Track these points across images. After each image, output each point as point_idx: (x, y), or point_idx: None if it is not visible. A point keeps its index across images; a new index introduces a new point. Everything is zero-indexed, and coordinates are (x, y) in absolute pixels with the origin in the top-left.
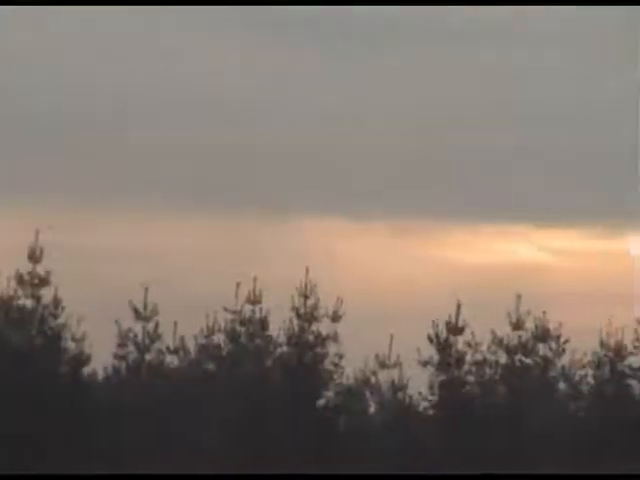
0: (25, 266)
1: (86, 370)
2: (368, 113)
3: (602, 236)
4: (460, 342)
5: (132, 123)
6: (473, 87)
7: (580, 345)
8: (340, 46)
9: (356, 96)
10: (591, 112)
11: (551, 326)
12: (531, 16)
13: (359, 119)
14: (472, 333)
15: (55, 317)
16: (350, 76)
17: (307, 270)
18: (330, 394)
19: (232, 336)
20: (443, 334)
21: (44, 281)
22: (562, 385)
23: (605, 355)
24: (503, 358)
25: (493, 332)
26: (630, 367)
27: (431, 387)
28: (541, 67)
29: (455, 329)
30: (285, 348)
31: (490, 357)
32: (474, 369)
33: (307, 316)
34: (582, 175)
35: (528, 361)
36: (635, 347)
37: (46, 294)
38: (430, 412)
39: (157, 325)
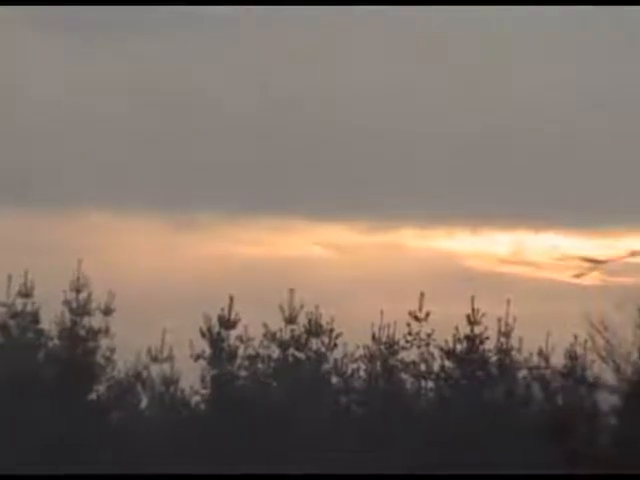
0: None
1: None
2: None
3: (374, 230)
4: (233, 336)
5: None
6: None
7: (353, 339)
8: (132, 44)
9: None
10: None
11: (324, 320)
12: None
13: (141, 114)
14: (245, 327)
15: None
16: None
17: (79, 263)
18: (102, 388)
19: (3, 329)
20: (215, 328)
21: None
22: (334, 379)
23: (377, 349)
24: (276, 352)
25: (266, 326)
26: (402, 361)
27: (203, 381)
28: None
29: (227, 323)
30: (57, 341)
31: (263, 351)
32: (247, 363)
33: (79, 310)
34: (353, 170)
35: (301, 355)
36: (407, 341)
37: None
38: (202, 406)
39: None
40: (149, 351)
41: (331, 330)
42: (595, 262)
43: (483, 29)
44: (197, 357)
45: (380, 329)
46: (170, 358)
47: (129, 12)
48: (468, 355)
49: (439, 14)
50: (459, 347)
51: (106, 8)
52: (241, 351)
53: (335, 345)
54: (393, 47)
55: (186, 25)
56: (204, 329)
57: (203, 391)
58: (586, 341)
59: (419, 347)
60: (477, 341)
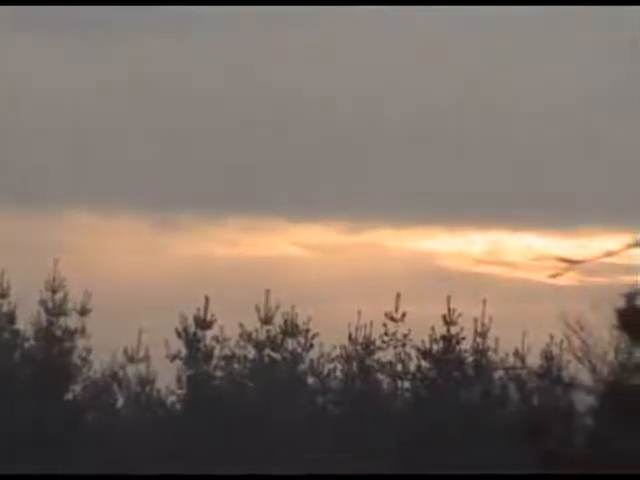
0: None
1: None
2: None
3: (351, 230)
4: (209, 336)
5: None
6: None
7: (329, 339)
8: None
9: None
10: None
11: (300, 320)
12: None
13: (111, 114)
14: (221, 327)
15: None
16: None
17: (56, 263)
18: (78, 388)
19: None
20: (191, 328)
21: None
22: (311, 379)
23: (354, 349)
24: (252, 353)
25: (242, 326)
26: (378, 362)
27: (179, 381)
28: None
29: (203, 323)
30: (33, 342)
31: (239, 352)
32: (222, 364)
33: (55, 310)
34: (330, 171)
35: (277, 356)
36: (384, 342)
37: None
38: (178, 406)
39: None
40: (125, 351)
41: (307, 330)
42: (571, 262)
43: (483, 29)
44: (173, 357)
45: (357, 329)
46: (146, 358)
47: (129, 12)
48: (444, 355)
49: (439, 14)
50: (435, 347)
51: (106, 8)
52: (217, 351)
53: (311, 345)
54: (393, 47)
55: (186, 25)
56: (180, 329)
57: (179, 391)
58: (562, 341)
59: (395, 347)
60: (453, 341)
